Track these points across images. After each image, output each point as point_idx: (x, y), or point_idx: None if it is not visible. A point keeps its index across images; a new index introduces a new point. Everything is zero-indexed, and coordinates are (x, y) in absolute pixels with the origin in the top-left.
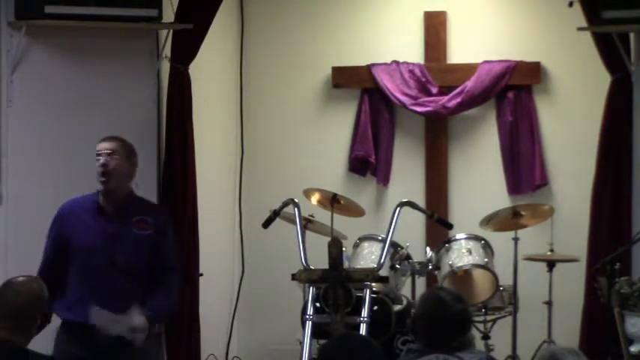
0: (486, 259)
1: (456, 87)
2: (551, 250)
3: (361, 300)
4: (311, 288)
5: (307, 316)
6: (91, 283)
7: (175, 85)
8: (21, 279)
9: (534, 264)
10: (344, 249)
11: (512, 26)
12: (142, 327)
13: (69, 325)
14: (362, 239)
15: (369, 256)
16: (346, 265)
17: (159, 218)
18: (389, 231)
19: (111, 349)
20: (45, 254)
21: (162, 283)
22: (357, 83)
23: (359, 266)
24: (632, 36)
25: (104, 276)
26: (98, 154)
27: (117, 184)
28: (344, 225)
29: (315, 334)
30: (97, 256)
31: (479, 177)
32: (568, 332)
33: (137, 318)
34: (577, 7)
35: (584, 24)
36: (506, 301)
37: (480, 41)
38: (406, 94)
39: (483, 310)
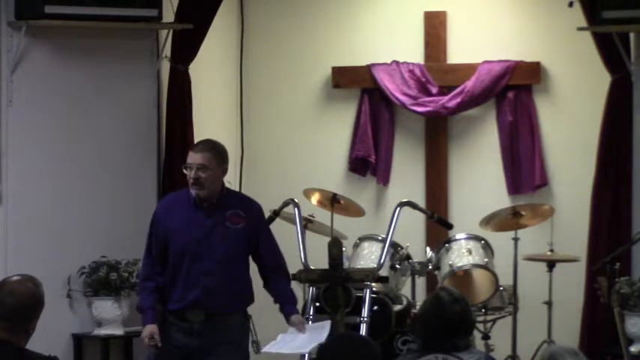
0: (486, 259)
1: (456, 87)
2: (551, 250)
3: (361, 300)
4: (311, 288)
5: (307, 316)
6: (190, 277)
7: (175, 85)
8: (15, 278)
9: (534, 264)
10: (344, 249)
11: (512, 26)
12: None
13: (171, 313)
14: (362, 239)
15: (369, 256)
16: (346, 265)
17: (252, 212)
18: (389, 231)
19: (204, 335)
20: (150, 253)
21: (275, 278)
22: (357, 83)
23: (359, 266)
24: (632, 36)
25: (202, 270)
26: (189, 166)
27: (210, 193)
28: (344, 225)
29: None
30: (197, 250)
31: (479, 177)
32: (568, 332)
33: (297, 319)
34: (577, 7)
35: (584, 24)
36: (506, 301)
37: (480, 41)
38: (406, 94)
39: (483, 310)
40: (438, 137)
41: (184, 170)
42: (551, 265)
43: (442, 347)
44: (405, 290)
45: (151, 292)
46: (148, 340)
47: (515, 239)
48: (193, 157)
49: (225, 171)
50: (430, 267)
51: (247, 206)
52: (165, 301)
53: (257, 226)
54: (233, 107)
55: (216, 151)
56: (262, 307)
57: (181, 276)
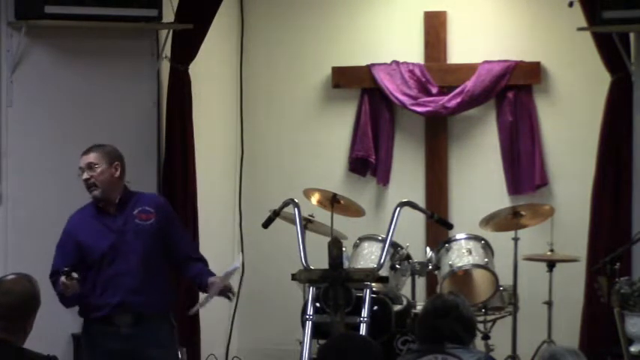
0: (486, 259)
1: (456, 87)
2: (551, 250)
3: (361, 300)
4: (311, 288)
5: (307, 316)
6: (110, 281)
7: (175, 85)
8: (11, 277)
9: (534, 264)
10: (344, 249)
11: (512, 26)
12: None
13: (96, 322)
14: (362, 239)
15: (369, 256)
16: (346, 265)
17: (159, 206)
18: (389, 231)
19: (133, 340)
20: (56, 266)
21: (191, 263)
22: (357, 83)
23: (359, 266)
24: (632, 36)
25: (121, 272)
26: (80, 169)
27: (105, 191)
28: (344, 225)
29: (315, 334)
30: (114, 254)
31: (479, 177)
32: (568, 332)
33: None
34: (577, 7)
35: (584, 24)
36: (506, 301)
37: (480, 41)
38: (406, 94)
39: (483, 310)
40: (438, 137)
41: (80, 176)
42: (551, 265)
43: (440, 335)
44: (405, 290)
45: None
46: (65, 280)
47: (515, 239)
48: (82, 160)
49: (118, 168)
50: (430, 267)
51: (154, 202)
52: (87, 311)
53: (167, 219)
54: (233, 107)
55: (103, 150)
56: None
57: (102, 282)
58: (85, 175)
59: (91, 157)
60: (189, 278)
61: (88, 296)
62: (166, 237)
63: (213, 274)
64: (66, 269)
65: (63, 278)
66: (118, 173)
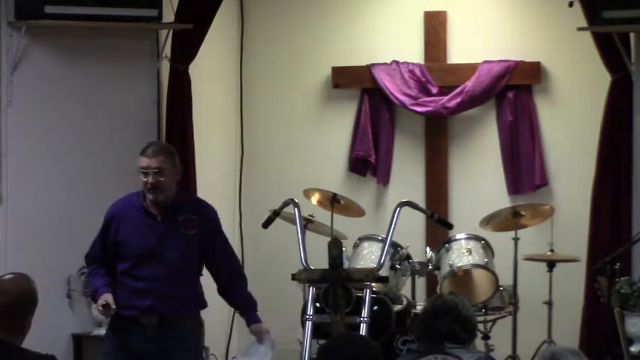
0: (486, 259)
1: (456, 87)
2: (551, 250)
3: (361, 300)
4: (311, 288)
5: (307, 316)
6: (142, 284)
7: (175, 85)
8: (8, 277)
9: (534, 264)
10: (344, 249)
11: (512, 26)
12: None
13: (123, 320)
14: (362, 239)
15: (369, 256)
16: (346, 265)
17: (206, 217)
18: (389, 231)
19: (158, 341)
20: (95, 250)
21: (233, 285)
22: (357, 83)
23: (359, 266)
24: (632, 36)
25: (154, 276)
26: (145, 171)
27: (168, 195)
28: (344, 225)
29: (315, 334)
30: (150, 257)
31: (479, 177)
32: (568, 332)
33: (256, 328)
34: (577, 7)
35: (584, 24)
36: (506, 301)
37: (480, 41)
38: (406, 94)
39: (483, 310)
40: (438, 137)
41: (141, 176)
42: (551, 265)
43: (437, 333)
44: (405, 290)
45: (103, 276)
46: (102, 307)
47: (515, 239)
48: (148, 162)
49: (179, 171)
50: (430, 267)
51: (200, 210)
52: (116, 307)
53: (211, 231)
54: (233, 107)
55: (169, 152)
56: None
57: (134, 284)
58: (151, 180)
59: (159, 160)
60: (228, 300)
61: (118, 292)
62: (208, 249)
63: (254, 308)
64: (106, 303)
65: (100, 305)
66: (179, 176)
